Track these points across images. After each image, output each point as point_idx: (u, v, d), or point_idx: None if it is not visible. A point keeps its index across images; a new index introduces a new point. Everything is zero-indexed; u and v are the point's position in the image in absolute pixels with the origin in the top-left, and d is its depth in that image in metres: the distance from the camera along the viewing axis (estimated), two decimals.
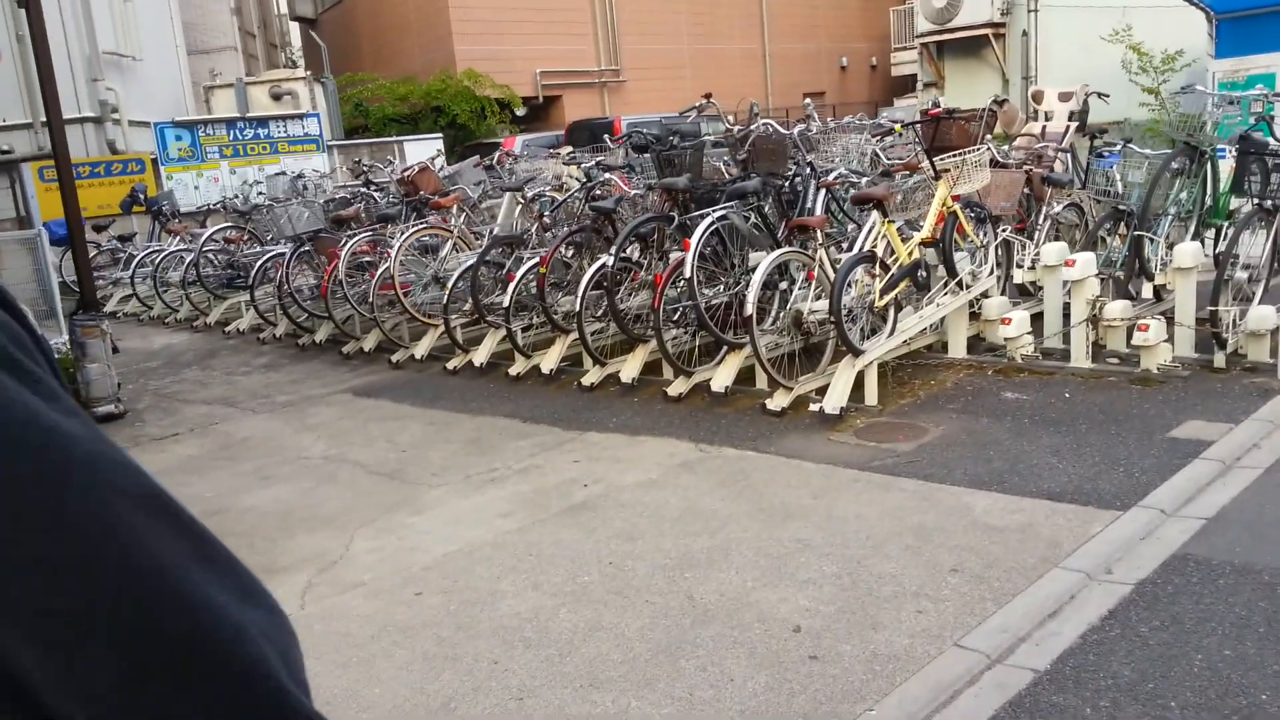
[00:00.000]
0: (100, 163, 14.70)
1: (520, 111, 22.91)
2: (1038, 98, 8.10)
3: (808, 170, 6.56)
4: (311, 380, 8.08)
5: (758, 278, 5.58)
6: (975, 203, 6.37)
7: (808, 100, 6.94)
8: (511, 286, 7.04)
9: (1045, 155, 7.55)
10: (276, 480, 5.51)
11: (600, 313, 6.63)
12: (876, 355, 5.68)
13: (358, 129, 21.63)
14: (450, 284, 7.59)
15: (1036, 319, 6.53)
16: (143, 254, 12.21)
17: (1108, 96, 7.97)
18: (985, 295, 6.55)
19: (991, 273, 6.47)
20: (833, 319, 5.42)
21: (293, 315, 9.33)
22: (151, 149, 15.36)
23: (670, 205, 6.74)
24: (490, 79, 21.04)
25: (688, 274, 5.78)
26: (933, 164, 6.05)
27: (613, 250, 6.27)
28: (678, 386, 6.24)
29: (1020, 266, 6.51)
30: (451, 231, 8.15)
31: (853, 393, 5.68)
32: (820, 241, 5.89)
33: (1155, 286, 6.39)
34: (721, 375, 5.99)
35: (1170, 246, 6.10)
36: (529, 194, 7.97)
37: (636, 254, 6.77)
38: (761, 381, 6.13)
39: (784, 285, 6.09)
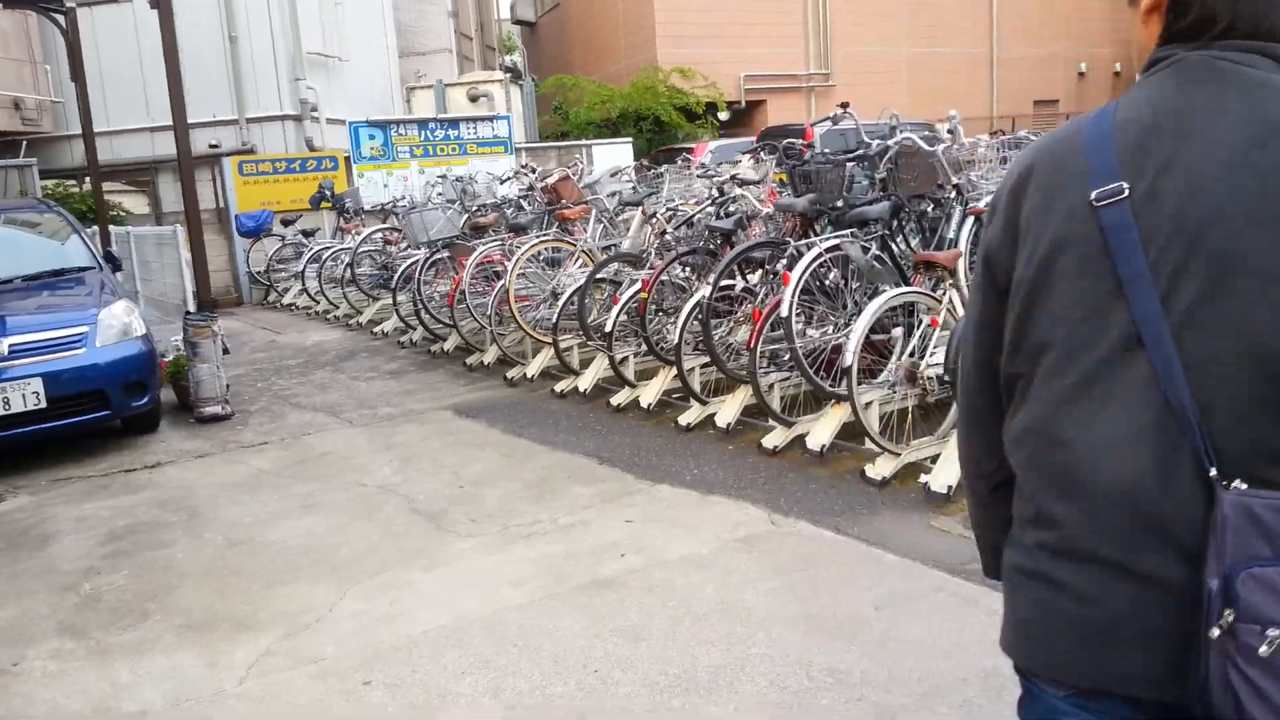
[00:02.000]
0: (296, 159, 15.25)
1: (724, 115, 22.32)
2: None
3: (953, 194, 5.56)
4: (424, 392, 7.78)
5: (862, 322, 4.69)
6: None
7: (953, 113, 5.90)
8: (615, 310, 6.44)
9: None
10: (318, 509, 5.14)
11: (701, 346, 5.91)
12: None
13: (562, 133, 21.72)
14: (561, 302, 7.08)
15: None
16: (314, 249, 12.47)
17: None
18: None
19: None
20: (947, 377, 4.47)
21: (426, 323, 9.11)
22: (347, 147, 15.82)
23: (796, 228, 5.92)
24: (700, 72, 20.52)
25: (784, 312, 4.96)
26: None
27: (712, 279, 5.53)
28: (774, 438, 5.42)
29: None
30: (575, 245, 7.63)
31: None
32: (954, 281, 4.92)
33: None
34: (820, 431, 5.13)
35: None
36: (650, 208, 7.32)
37: (755, 282, 6.00)
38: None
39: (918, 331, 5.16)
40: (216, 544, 4.73)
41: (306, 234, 13.84)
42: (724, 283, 5.68)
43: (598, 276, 6.86)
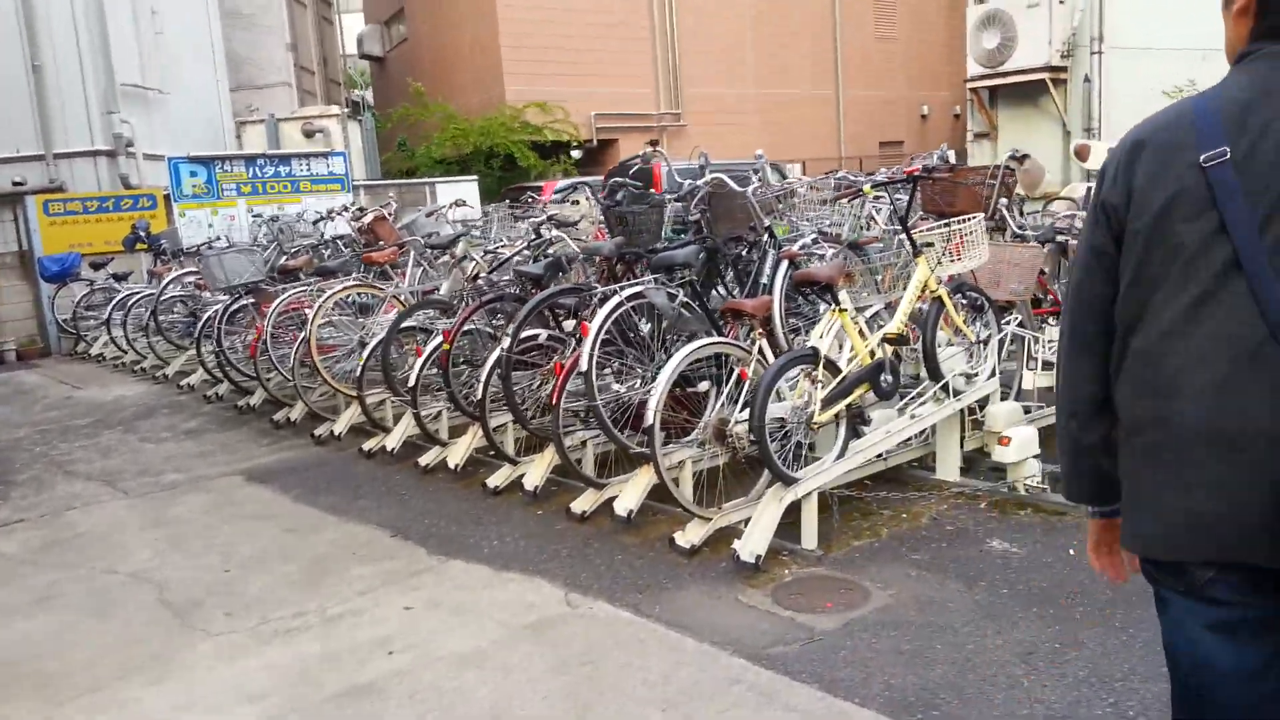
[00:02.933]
0: (110, 197, 14.16)
1: (577, 154, 22.07)
2: (1082, 153, 6.69)
3: (765, 237, 5.29)
4: (220, 455, 7.06)
5: (663, 377, 4.32)
6: (971, 286, 5.00)
7: (759, 152, 5.67)
8: (419, 362, 5.92)
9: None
10: (52, 606, 4.43)
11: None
12: (817, 484, 4.34)
13: (408, 170, 21.04)
14: (365, 354, 6.52)
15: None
16: (121, 295, 11.49)
17: None
18: (987, 401, 5.15)
19: (993, 374, 5.07)
20: (753, 438, 4.13)
21: (231, 376, 8.37)
22: (168, 184, 14.81)
23: (604, 274, 5.54)
24: (561, 106, 20.19)
25: (583, 366, 4.55)
26: (909, 236, 4.71)
27: (510, 330, 5.09)
28: (583, 502, 4.99)
29: (1033, 367, 5.08)
30: (383, 291, 7.08)
31: (789, 529, 4.36)
32: (764, 331, 4.60)
33: None
34: (628, 495, 4.72)
35: None
36: (460, 251, 6.84)
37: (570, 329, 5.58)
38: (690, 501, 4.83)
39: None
40: None
41: (118, 278, 12.78)
42: (532, 332, 5.24)
43: (405, 325, 6.33)
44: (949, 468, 5.11)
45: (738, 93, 24.15)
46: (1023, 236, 5.57)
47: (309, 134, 17.02)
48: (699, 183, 5.41)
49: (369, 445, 6.66)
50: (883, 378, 4.48)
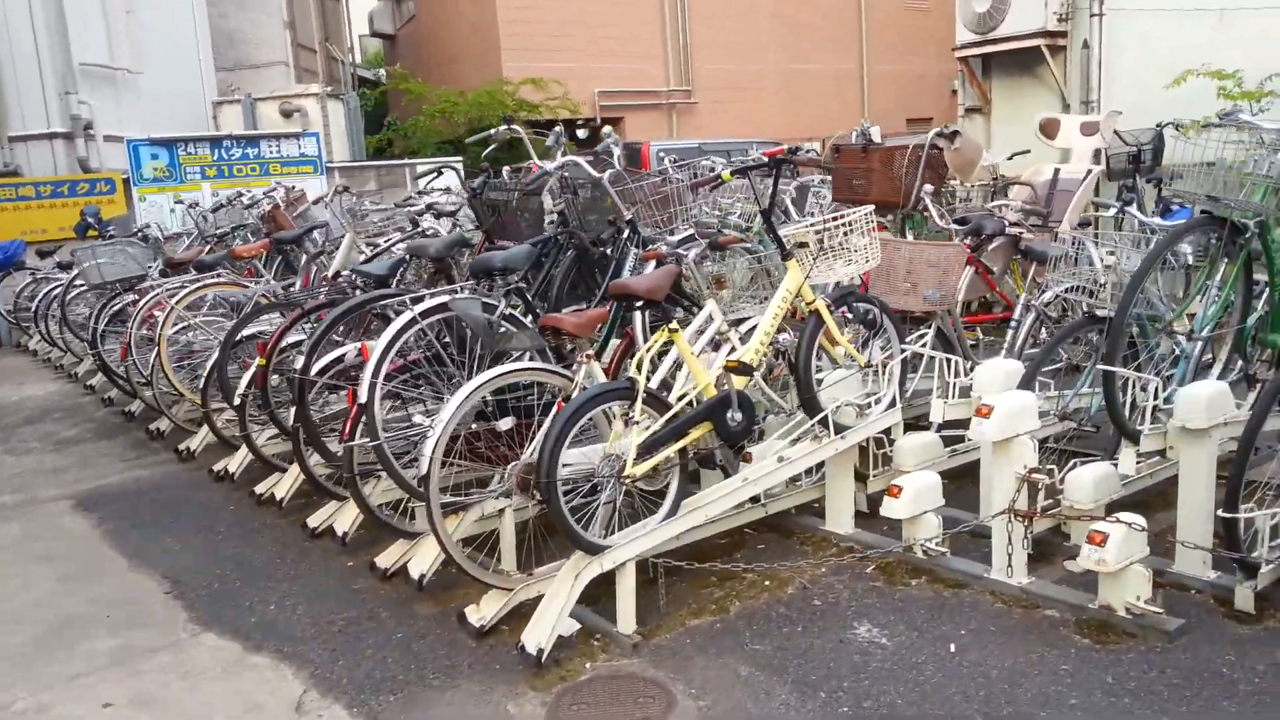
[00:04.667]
0: (64, 182, 13.55)
1: (582, 133, 21.12)
2: (1048, 130, 5.64)
3: (626, 232, 4.35)
4: (72, 472, 6.32)
5: (445, 416, 3.41)
6: (861, 296, 4.01)
7: (608, 129, 4.72)
8: (246, 377, 5.08)
9: (1046, 212, 5.11)
10: None
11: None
12: (635, 552, 3.42)
13: (409, 151, 20.27)
14: (210, 363, 5.70)
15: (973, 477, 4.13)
16: (51, 285, 10.82)
17: (1174, 129, 5.37)
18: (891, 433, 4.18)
19: (895, 404, 4.09)
20: (539, 496, 3.21)
21: (116, 380, 7.63)
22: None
23: (449, 276, 4.65)
24: (559, 83, 19.23)
25: (362, 398, 3.67)
26: (775, 234, 3.74)
27: (306, 346, 4.22)
28: (388, 557, 4.12)
29: (945, 396, 4.08)
30: (247, 289, 6.25)
31: (606, 604, 3.46)
32: (591, 353, 3.67)
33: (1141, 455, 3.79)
34: (423, 555, 3.83)
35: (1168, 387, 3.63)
36: (313, 248, 5.98)
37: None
38: (506, 562, 3.94)
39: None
40: None
41: (63, 267, 12.13)
42: (340, 351, 4.36)
43: (242, 335, 5.49)
44: (840, 518, 4.15)
45: (754, 68, 23.00)
46: (947, 231, 4.57)
47: (286, 114, 16.29)
48: (550, 166, 4.48)
49: (219, 466, 5.86)
50: (729, 415, 3.53)
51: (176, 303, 6.05)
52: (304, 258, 6.07)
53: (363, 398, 3.66)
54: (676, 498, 3.51)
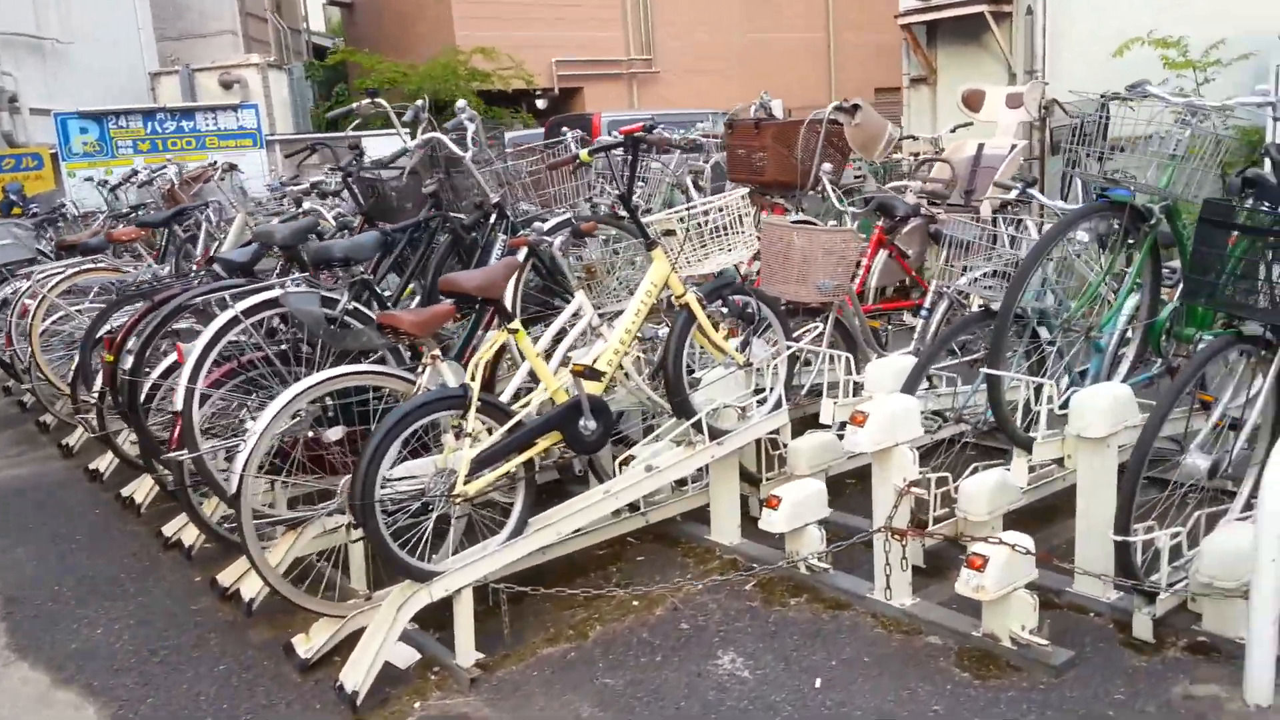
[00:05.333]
0: None
1: (541, 103, 20.66)
2: (971, 102, 5.29)
3: (494, 217, 3.98)
4: None
5: (260, 426, 3.06)
6: (740, 288, 3.65)
7: (461, 102, 4.33)
8: (101, 375, 4.69)
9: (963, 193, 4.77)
10: None
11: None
12: (472, 578, 3.07)
13: (358, 125, 19.71)
14: (80, 353, 5.30)
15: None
16: None
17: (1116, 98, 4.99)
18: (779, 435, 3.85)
19: (780, 405, 3.76)
20: (355, 520, 2.87)
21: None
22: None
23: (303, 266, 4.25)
24: (506, 53, 18.67)
25: (177, 405, 3.30)
26: (636, 220, 3.38)
27: (135, 348, 3.84)
28: (230, 574, 3.76)
29: (834, 396, 3.74)
30: (118, 273, 5.84)
31: (445, 631, 3.14)
32: (438, 353, 3.31)
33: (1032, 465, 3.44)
34: (250, 582, 3.48)
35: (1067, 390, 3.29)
36: (181, 232, 5.58)
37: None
38: (356, 581, 3.60)
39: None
40: None
41: None
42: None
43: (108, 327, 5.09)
44: (725, 527, 3.83)
45: (716, 38, 22.46)
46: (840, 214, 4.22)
47: (226, 85, 15.75)
48: (412, 144, 4.10)
49: (95, 464, 5.49)
50: (581, 424, 3.18)
51: (49, 291, 5.64)
52: (178, 241, 5.66)
53: (177, 405, 3.29)
54: (522, 515, 3.17)
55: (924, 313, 4.28)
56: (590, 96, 20.80)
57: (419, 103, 4.52)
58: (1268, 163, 3.18)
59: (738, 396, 3.67)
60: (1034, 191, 3.70)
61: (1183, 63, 7.53)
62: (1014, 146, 4.89)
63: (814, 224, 4.61)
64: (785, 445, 3.86)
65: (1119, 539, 2.70)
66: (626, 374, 3.62)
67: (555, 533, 3.25)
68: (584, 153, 3.42)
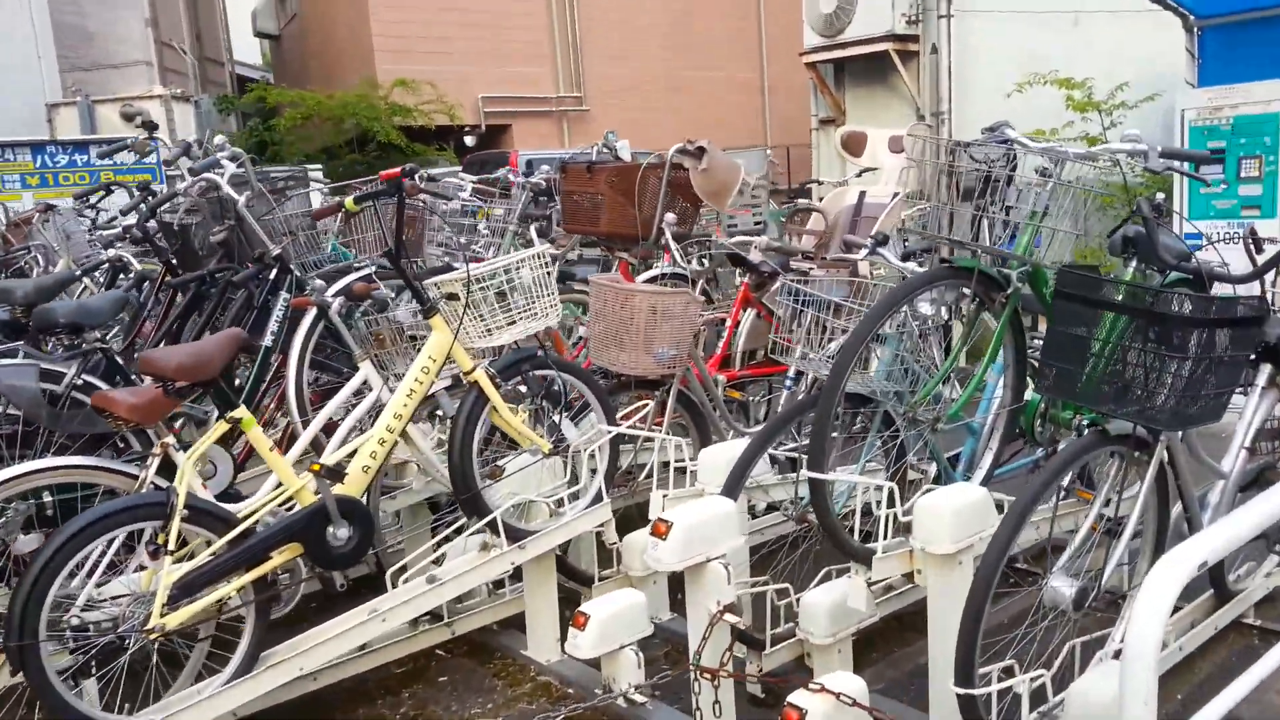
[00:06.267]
0: None
1: (470, 139, 20.15)
2: (852, 146, 4.83)
3: (274, 271, 3.40)
4: None
5: None
6: (543, 360, 3.10)
7: (220, 138, 3.75)
8: None
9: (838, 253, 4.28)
10: None
11: None
12: None
13: (275, 159, 19.05)
14: None
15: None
16: None
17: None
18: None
19: (600, 498, 3.20)
20: (12, 666, 2.25)
21: None
22: None
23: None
24: (428, 84, 18.12)
25: None
26: (409, 282, 2.83)
27: None
28: None
29: (665, 486, 3.19)
30: None
31: None
32: (170, 442, 2.71)
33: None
34: None
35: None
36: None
37: None
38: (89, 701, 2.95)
39: None
40: None
41: None
42: None
43: None
44: (542, 641, 3.25)
45: (649, 74, 22.15)
46: (683, 275, 3.71)
47: (128, 117, 15.03)
48: (181, 186, 3.53)
49: None
50: (330, 531, 2.59)
51: None
52: None
53: None
54: (251, 648, 2.57)
55: (787, 384, 3.76)
56: (519, 133, 20.34)
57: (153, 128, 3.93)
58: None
59: (549, 489, 3.10)
60: (884, 251, 3.20)
61: (1087, 103, 7.20)
62: (895, 195, 4.42)
63: (675, 282, 4.10)
64: (612, 543, 3.30)
65: (961, 692, 2.16)
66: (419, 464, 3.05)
67: (298, 668, 2.64)
68: (349, 201, 2.87)
